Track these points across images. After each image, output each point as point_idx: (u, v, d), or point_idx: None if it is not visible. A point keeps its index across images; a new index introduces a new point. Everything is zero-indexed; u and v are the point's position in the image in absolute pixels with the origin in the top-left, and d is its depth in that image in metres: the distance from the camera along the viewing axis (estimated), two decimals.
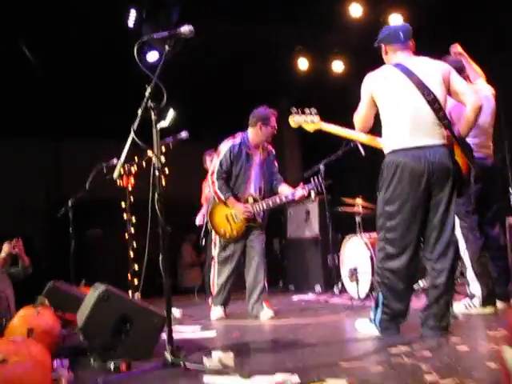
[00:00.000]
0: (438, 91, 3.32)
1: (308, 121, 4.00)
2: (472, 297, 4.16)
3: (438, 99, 3.30)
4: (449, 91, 3.40)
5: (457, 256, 3.47)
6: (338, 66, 7.71)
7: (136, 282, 4.73)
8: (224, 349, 3.06)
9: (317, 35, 7.06)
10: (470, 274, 4.19)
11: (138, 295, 6.90)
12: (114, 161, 4.80)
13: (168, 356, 2.76)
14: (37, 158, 8.13)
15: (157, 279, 3.05)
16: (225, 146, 4.88)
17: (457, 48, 4.39)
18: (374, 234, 5.42)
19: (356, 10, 6.53)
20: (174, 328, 2.95)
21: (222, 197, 4.79)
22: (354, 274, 5.46)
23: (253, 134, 4.88)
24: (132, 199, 4.71)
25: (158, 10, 5.65)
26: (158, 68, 2.99)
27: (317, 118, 4.01)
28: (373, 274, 5.25)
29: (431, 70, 3.38)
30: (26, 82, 6.61)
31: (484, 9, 6.02)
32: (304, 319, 4.61)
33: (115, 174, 3.01)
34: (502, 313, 4.02)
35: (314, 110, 4.00)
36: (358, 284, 5.39)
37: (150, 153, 3.39)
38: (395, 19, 6.57)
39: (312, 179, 4.82)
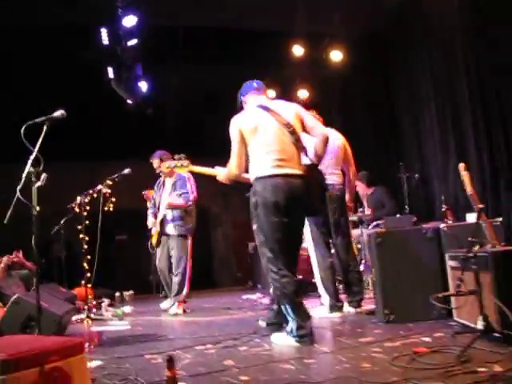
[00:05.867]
0: (296, 124, 3.91)
1: (178, 165, 4.63)
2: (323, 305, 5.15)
3: (296, 130, 3.88)
4: (302, 126, 3.96)
5: None
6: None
7: None
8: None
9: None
10: (321, 289, 5.18)
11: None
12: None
13: None
14: None
15: None
16: None
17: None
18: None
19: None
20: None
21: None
22: None
23: None
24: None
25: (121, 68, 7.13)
26: (38, 142, 4.05)
27: (186, 162, 4.60)
28: None
29: (287, 107, 4.01)
30: None
31: None
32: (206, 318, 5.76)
33: None
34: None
35: (183, 156, 4.64)
36: None
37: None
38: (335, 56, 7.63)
39: None
